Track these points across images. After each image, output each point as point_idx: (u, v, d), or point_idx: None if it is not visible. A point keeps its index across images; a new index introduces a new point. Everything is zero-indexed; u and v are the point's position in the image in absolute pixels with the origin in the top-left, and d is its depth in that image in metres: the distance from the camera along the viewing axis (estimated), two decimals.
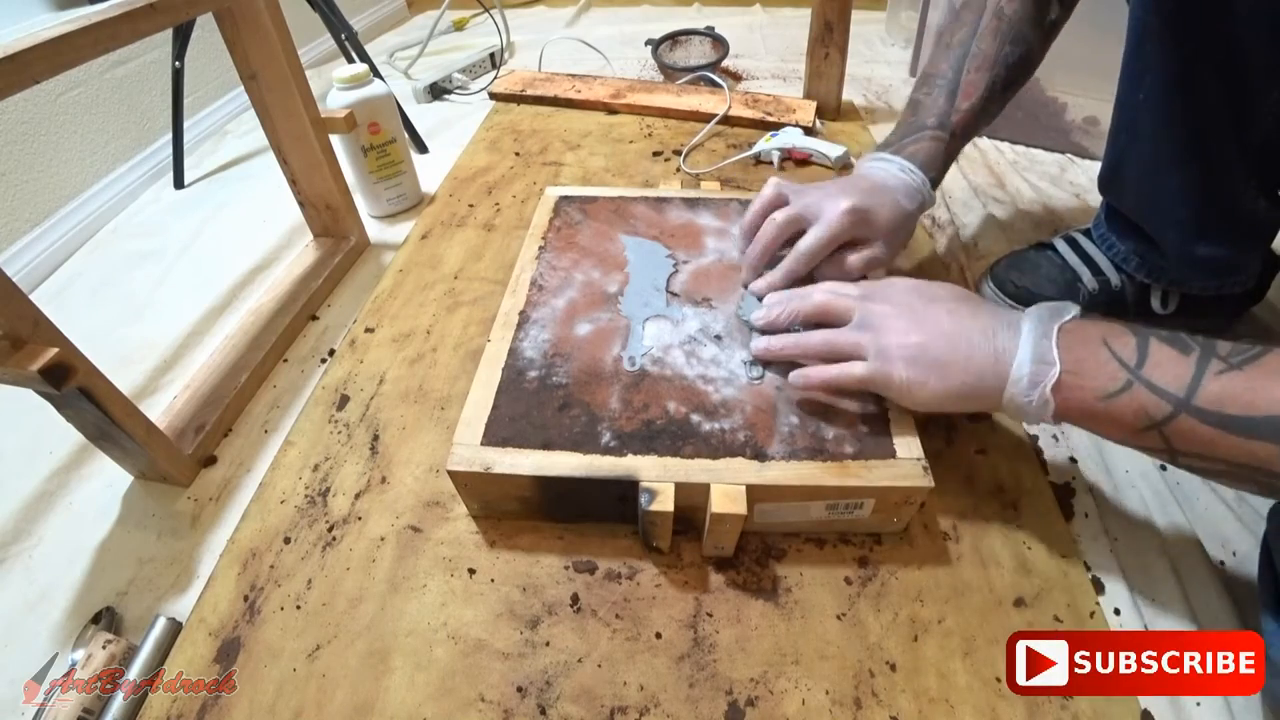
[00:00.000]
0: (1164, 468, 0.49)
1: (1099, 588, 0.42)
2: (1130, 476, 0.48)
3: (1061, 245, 0.61)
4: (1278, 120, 0.44)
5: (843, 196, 0.47)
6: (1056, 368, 0.34)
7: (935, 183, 0.52)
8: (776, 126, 0.93)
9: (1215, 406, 0.30)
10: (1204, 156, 0.48)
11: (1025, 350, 0.35)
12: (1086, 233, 0.61)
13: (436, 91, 1.13)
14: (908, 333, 0.39)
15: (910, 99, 0.54)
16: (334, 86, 0.72)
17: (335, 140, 0.70)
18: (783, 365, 0.45)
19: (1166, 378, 0.32)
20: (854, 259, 0.48)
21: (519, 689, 0.37)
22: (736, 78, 1.16)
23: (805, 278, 0.49)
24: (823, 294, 0.43)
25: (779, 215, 0.48)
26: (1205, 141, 0.47)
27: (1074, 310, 0.36)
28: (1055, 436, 0.51)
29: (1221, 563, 0.43)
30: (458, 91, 1.13)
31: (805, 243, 0.47)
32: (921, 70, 0.54)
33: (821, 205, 0.47)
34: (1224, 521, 0.45)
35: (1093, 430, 0.36)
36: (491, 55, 1.21)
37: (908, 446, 0.41)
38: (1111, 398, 0.33)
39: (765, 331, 0.46)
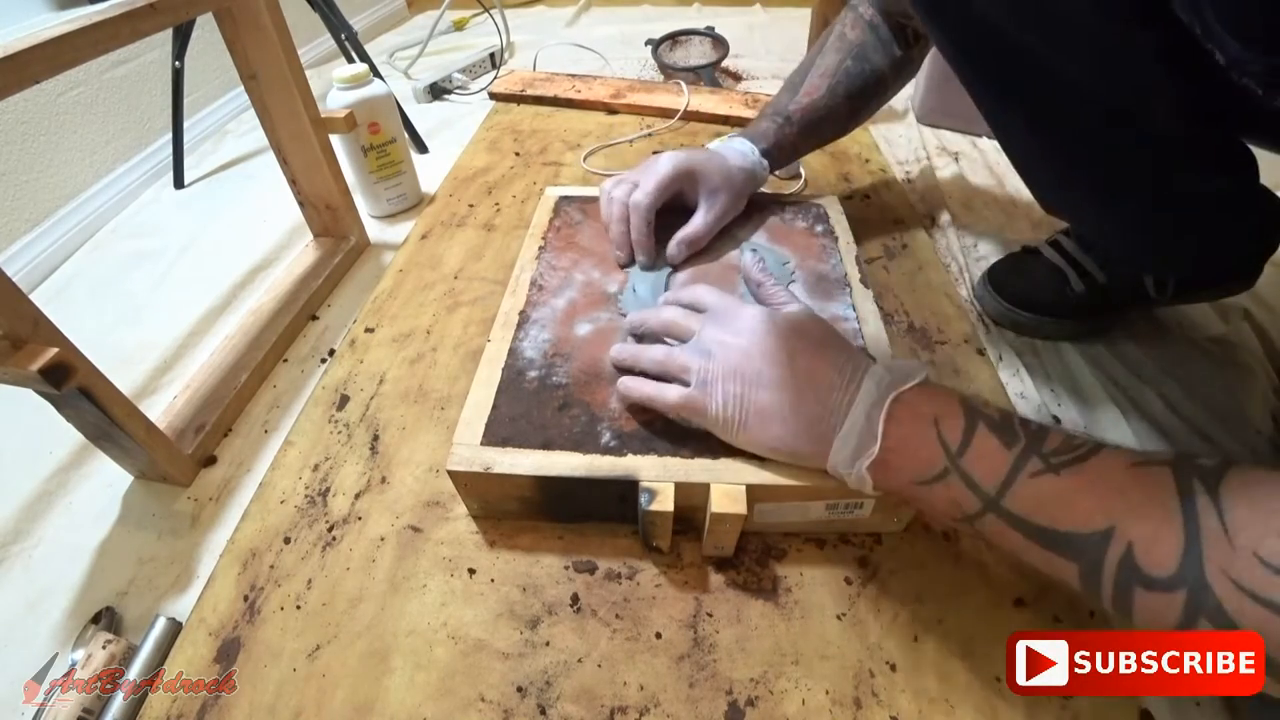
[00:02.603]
0: None
1: None
2: None
3: (1046, 250, 0.61)
4: (1170, 110, 0.42)
5: (667, 158, 0.54)
6: (875, 448, 0.33)
7: (768, 155, 0.59)
8: None
9: (1022, 512, 0.29)
10: (1123, 190, 0.48)
11: (852, 420, 0.34)
12: (1070, 232, 0.61)
13: (436, 91, 1.13)
14: (736, 371, 0.37)
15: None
16: (334, 86, 0.72)
17: (335, 140, 0.70)
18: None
19: (983, 471, 0.30)
20: (675, 240, 0.54)
21: (519, 689, 0.37)
22: (736, 78, 1.16)
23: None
24: (671, 311, 0.44)
25: (616, 193, 0.55)
26: (1120, 181, 0.47)
27: (921, 375, 0.34)
28: None
29: None
30: (458, 91, 1.13)
31: (635, 197, 0.53)
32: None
33: (648, 169, 0.55)
34: None
35: (914, 507, 0.35)
36: (491, 55, 1.21)
37: None
38: (927, 484, 0.32)
39: (636, 335, 0.47)
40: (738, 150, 0.58)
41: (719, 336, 0.39)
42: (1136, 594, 0.27)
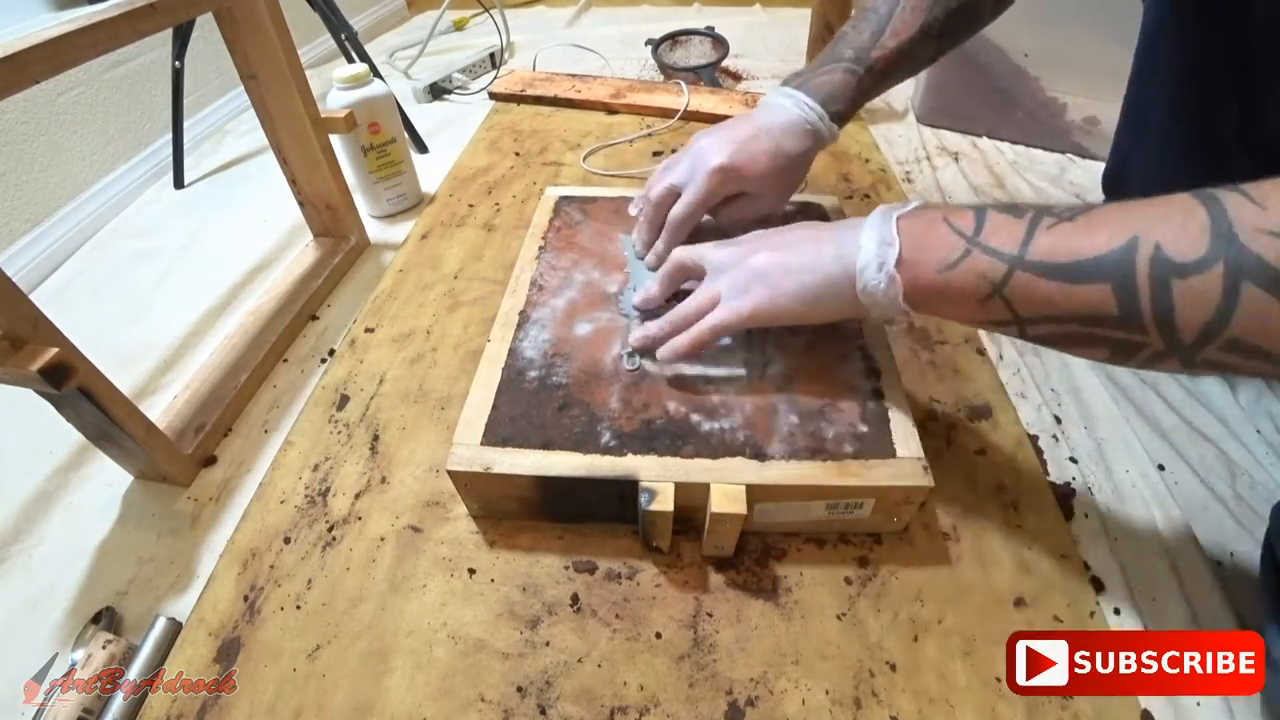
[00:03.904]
0: (1162, 467, 0.49)
1: (1099, 588, 0.42)
2: (1130, 476, 0.48)
3: None
4: None
5: (714, 155, 0.48)
6: (896, 245, 0.34)
7: (841, 117, 0.49)
8: None
9: (1046, 257, 0.30)
10: (1211, 157, 0.48)
11: (868, 235, 0.36)
12: None
13: (436, 91, 1.13)
14: (752, 257, 0.40)
15: (838, 31, 0.52)
16: (334, 86, 0.72)
17: (335, 140, 0.70)
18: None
19: (1001, 239, 0.32)
20: (724, 214, 0.52)
21: (519, 689, 0.37)
22: (737, 77, 1.16)
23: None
24: (676, 255, 0.46)
25: (654, 192, 0.51)
26: (1213, 142, 0.48)
27: (916, 202, 0.37)
28: (1055, 436, 0.51)
29: (1219, 562, 0.43)
30: (458, 91, 1.13)
31: (675, 211, 0.50)
32: (859, 6, 0.52)
33: (694, 169, 0.49)
34: (1223, 521, 0.45)
35: (944, 313, 0.35)
36: (491, 55, 1.21)
37: (908, 446, 0.41)
38: (952, 268, 0.33)
39: (646, 316, 0.48)
40: (798, 123, 0.48)
41: (728, 251, 0.42)
42: (1174, 288, 0.26)
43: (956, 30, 0.49)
